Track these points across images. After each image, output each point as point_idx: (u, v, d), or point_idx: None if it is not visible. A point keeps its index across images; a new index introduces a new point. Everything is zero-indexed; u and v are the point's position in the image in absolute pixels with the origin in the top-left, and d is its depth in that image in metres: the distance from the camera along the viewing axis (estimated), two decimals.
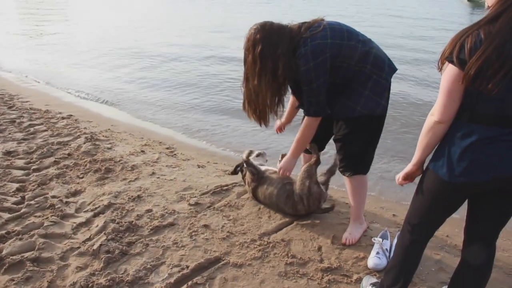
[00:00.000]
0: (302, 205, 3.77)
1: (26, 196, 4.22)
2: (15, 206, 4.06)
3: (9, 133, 5.92)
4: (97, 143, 5.61)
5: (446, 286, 2.82)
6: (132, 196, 4.22)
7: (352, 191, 3.57)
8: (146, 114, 7.52)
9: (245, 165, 4.13)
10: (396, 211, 4.09)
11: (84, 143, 5.58)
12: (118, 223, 3.75)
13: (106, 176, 4.70)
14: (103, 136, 5.94)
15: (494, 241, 2.51)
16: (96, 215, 3.92)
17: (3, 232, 3.61)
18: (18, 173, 4.73)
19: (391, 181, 4.77)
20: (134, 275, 3.15)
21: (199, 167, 5.03)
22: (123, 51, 13.04)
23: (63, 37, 15.91)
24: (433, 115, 2.25)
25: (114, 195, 4.23)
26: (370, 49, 3.21)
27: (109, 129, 6.32)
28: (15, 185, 4.43)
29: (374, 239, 3.41)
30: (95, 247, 3.43)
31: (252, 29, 3.20)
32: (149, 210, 3.98)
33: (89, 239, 3.57)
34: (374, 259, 3.25)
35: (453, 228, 3.83)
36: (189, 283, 3.08)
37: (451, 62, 2.11)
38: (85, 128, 6.27)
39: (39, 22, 20.22)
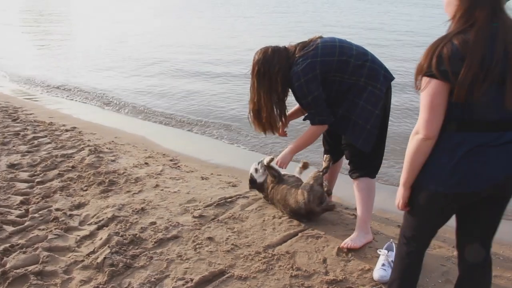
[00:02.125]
0: (302, 196, 3.89)
1: (30, 209, 4.21)
2: (19, 219, 4.05)
3: (13, 146, 5.93)
4: (100, 155, 5.61)
5: None
6: (136, 209, 4.21)
7: (359, 195, 3.67)
8: (150, 125, 7.53)
9: (266, 169, 4.30)
10: (401, 222, 4.05)
11: (88, 155, 5.59)
12: (122, 236, 3.74)
13: (110, 188, 4.69)
14: (106, 148, 5.94)
15: (489, 247, 2.51)
16: (100, 228, 3.91)
17: (7, 245, 3.60)
18: (22, 186, 4.73)
19: (394, 193, 4.74)
20: None
21: (202, 179, 5.02)
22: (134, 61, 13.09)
23: (67, 43, 15.98)
24: (419, 133, 2.22)
25: (118, 208, 4.22)
26: (364, 62, 3.46)
27: (112, 141, 6.32)
28: (19, 198, 4.43)
29: (380, 251, 3.39)
30: (99, 260, 3.41)
31: (255, 54, 3.66)
32: (153, 223, 3.97)
33: (93, 252, 3.55)
34: (379, 271, 3.23)
35: None
36: None
37: (432, 76, 2.11)
38: (88, 140, 6.28)
39: (46, 32, 20.32)
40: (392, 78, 3.57)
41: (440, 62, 2.08)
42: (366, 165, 3.62)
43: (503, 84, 2.08)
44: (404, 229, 2.62)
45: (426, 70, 2.13)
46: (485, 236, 2.48)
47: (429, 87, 2.13)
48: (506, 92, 2.08)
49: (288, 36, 15.20)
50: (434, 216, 2.45)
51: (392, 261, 3.29)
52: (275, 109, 3.69)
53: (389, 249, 3.42)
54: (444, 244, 3.74)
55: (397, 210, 4.22)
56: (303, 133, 3.76)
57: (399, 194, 2.47)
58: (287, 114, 3.85)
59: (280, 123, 3.83)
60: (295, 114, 4.01)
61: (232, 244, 3.67)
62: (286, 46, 3.67)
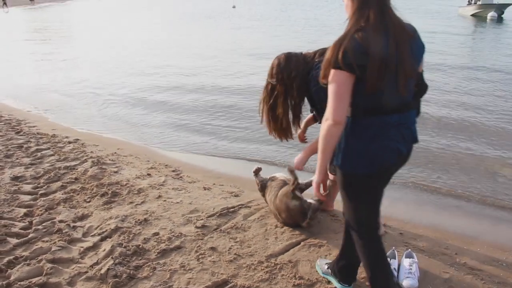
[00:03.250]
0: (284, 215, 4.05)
1: (34, 221, 4.24)
2: (22, 231, 4.07)
3: (17, 158, 5.97)
4: (103, 167, 5.64)
5: None
6: (139, 220, 4.23)
7: None
8: (152, 137, 7.58)
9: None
10: (403, 230, 4.07)
11: (91, 167, 5.62)
12: (125, 247, 3.76)
13: (113, 200, 4.71)
14: (109, 159, 5.97)
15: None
16: (103, 239, 3.93)
17: (11, 257, 3.63)
18: (25, 198, 4.76)
19: (397, 201, 4.77)
20: None
21: (205, 189, 5.04)
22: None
23: (63, 57, 16.08)
24: (328, 119, 2.42)
25: (121, 219, 4.24)
26: None
27: (115, 152, 6.35)
28: (23, 210, 4.45)
29: None
30: (102, 271, 3.43)
31: (273, 59, 3.66)
32: (156, 234, 3.99)
33: (96, 263, 3.57)
34: None
35: (462, 245, 3.83)
36: None
37: (339, 68, 2.35)
38: (91, 152, 6.31)
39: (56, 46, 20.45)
40: None
41: (345, 56, 2.32)
42: None
43: (397, 74, 2.38)
44: (352, 223, 2.81)
45: (333, 64, 2.36)
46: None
47: (336, 78, 2.37)
48: (399, 81, 2.39)
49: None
50: (369, 196, 2.70)
51: (394, 268, 3.31)
52: (290, 114, 3.67)
53: (391, 256, 3.43)
54: (446, 250, 3.74)
55: (399, 218, 4.30)
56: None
57: (316, 179, 2.67)
58: (302, 119, 3.82)
59: (296, 128, 3.83)
60: (311, 121, 4.03)
61: (235, 254, 3.68)
62: (303, 52, 3.68)
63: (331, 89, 2.40)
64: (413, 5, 36.64)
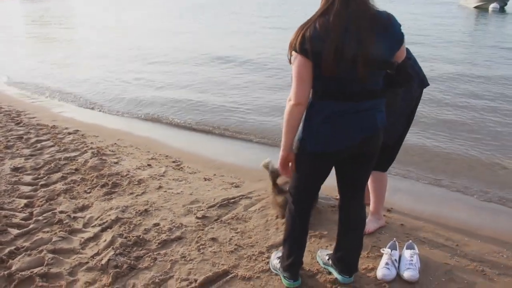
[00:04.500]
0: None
1: (34, 212, 4.23)
2: (23, 222, 4.07)
3: (17, 149, 5.95)
4: (103, 157, 5.63)
5: None
6: (139, 210, 4.23)
7: (371, 186, 3.86)
8: (152, 127, 7.60)
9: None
10: (404, 221, 4.07)
11: (91, 158, 5.61)
12: (126, 237, 3.76)
13: (113, 190, 4.71)
14: (109, 150, 5.96)
15: (360, 196, 3.01)
16: (104, 230, 3.93)
17: (12, 248, 3.62)
18: (26, 189, 4.75)
19: (398, 192, 4.76)
20: None
21: (205, 180, 5.03)
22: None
23: (71, 48, 16.03)
24: (291, 100, 2.57)
25: (121, 210, 4.24)
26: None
27: (115, 143, 6.33)
28: (23, 201, 4.45)
29: (383, 250, 3.40)
30: (103, 262, 3.43)
31: None
32: (156, 224, 3.99)
33: (97, 254, 3.57)
34: (383, 270, 3.23)
35: (463, 237, 3.82)
36: None
37: (297, 52, 2.47)
38: (91, 143, 6.29)
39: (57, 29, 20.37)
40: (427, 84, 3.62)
41: (303, 42, 2.44)
42: (382, 159, 3.60)
43: (356, 63, 2.43)
44: (291, 189, 3.01)
45: (293, 47, 2.49)
46: (355, 189, 2.97)
47: (296, 61, 2.50)
48: (358, 69, 2.44)
49: None
50: (312, 173, 2.86)
51: (395, 260, 3.32)
52: None
53: (392, 248, 3.43)
54: (447, 242, 3.74)
55: (400, 209, 4.29)
56: None
57: (280, 156, 2.81)
58: None
59: None
60: None
61: (236, 245, 3.69)
62: None
63: (293, 71, 2.54)
64: None
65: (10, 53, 16.44)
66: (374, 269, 3.32)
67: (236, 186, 4.84)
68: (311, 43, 2.42)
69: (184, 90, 10.02)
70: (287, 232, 3.10)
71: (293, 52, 2.51)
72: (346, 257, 3.13)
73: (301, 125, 2.69)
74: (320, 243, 3.69)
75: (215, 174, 5.24)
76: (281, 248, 3.34)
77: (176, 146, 6.44)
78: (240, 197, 4.52)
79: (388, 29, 2.52)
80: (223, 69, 12.09)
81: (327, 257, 3.31)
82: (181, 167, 5.45)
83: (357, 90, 2.55)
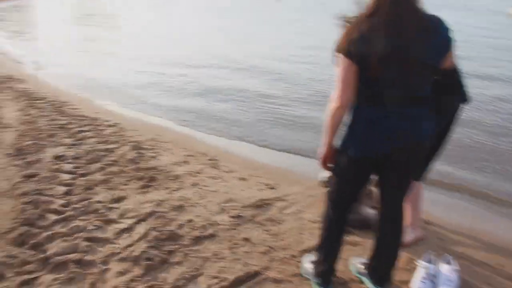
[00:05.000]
0: None
1: (72, 200, 4.31)
2: (61, 208, 4.14)
3: (59, 138, 6.07)
4: (141, 151, 5.70)
5: None
6: (174, 205, 4.26)
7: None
8: (191, 124, 7.62)
9: None
10: (442, 235, 3.98)
11: (130, 151, 5.68)
12: (159, 231, 3.79)
13: (150, 184, 4.75)
14: (147, 145, 6.02)
15: (399, 206, 2.91)
16: (138, 222, 3.96)
17: (50, 233, 3.69)
18: (65, 176, 4.84)
19: (437, 203, 4.66)
20: (173, 283, 3.17)
21: (241, 179, 5.03)
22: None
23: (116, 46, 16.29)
24: (334, 102, 2.57)
25: (156, 204, 4.28)
26: None
27: (153, 138, 6.38)
28: (63, 188, 4.53)
29: (419, 263, 3.32)
30: (136, 253, 3.47)
31: None
32: (190, 220, 4.01)
33: (130, 245, 3.61)
34: (419, 284, 3.15)
35: (509, 257, 3.70)
36: None
37: (342, 54, 2.46)
38: (130, 136, 6.37)
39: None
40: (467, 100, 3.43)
41: (349, 44, 2.43)
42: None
43: (402, 68, 2.42)
44: (329, 194, 2.99)
45: (339, 49, 2.49)
46: (394, 198, 2.88)
47: (341, 64, 2.49)
48: (404, 73, 2.43)
49: None
50: (352, 177, 2.82)
51: (432, 274, 3.23)
52: None
53: (429, 261, 3.34)
54: (489, 261, 3.61)
55: (439, 222, 4.19)
56: None
57: (320, 152, 2.85)
58: None
59: None
60: None
61: (268, 246, 3.67)
62: None
63: (337, 73, 2.53)
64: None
65: (58, 47, 16.79)
66: (409, 281, 3.25)
67: (271, 188, 4.82)
68: (357, 45, 2.41)
69: (227, 103, 10.00)
70: (323, 238, 3.07)
71: (339, 54, 2.50)
72: (380, 267, 3.08)
73: (343, 128, 2.68)
74: (354, 251, 3.63)
75: (251, 175, 5.23)
76: (313, 252, 3.30)
77: (213, 145, 6.47)
78: (275, 199, 4.50)
79: (437, 32, 2.47)
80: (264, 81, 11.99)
81: (360, 266, 3.26)
82: (218, 166, 5.46)
83: (402, 95, 2.50)
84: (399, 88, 2.48)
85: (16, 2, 34.58)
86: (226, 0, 37.56)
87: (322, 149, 2.82)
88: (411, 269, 3.39)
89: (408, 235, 3.72)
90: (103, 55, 14.51)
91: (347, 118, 2.67)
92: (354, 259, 3.41)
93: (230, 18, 26.50)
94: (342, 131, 2.71)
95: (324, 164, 2.89)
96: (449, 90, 2.89)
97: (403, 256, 3.54)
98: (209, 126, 7.52)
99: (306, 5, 34.29)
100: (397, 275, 3.30)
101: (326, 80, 10.62)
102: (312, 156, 6.12)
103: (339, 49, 2.48)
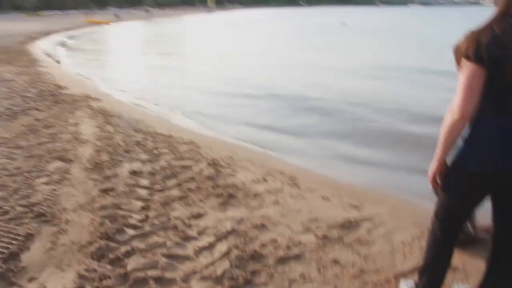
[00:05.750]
0: None
1: (150, 215, 4.17)
2: (139, 223, 4.02)
3: (135, 154, 6.03)
4: (218, 168, 5.54)
5: None
6: (255, 224, 4.03)
7: None
8: (265, 143, 7.44)
9: None
10: None
11: (206, 168, 5.54)
12: (241, 250, 3.57)
13: (228, 201, 4.55)
14: (224, 162, 5.86)
15: None
16: (218, 240, 3.76)
17: (128, 248, 3.55)
18: (142, 192, 4.74)
19: None
20: None
21: (323, 199, 4.74)
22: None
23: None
24: (454, 112, 2.27)
25: (237, 221, 4.07)
26: None
27: (229, 156, 6.22)
28: (140, 204, 4.42)
29: None
30: (218, 272, 3.27)
31: None
32: (273, 240, 3.76)
33: (212, 263, 3.40)
34: None
35: None
36: None
37: (469, 59, 2.20)
38: (206, 153, 6.24)
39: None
40: None
41: (478, 48, 2.17)
42: None
43: None
44: (438, 213, 2.65)
45: (465, 54, 2.22)
46: None
47: (466, 69, 2.23)
48: None
49: None
50: (467, 195, 2.50)
51: None
52: None
53: None
54: None
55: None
56: None
57: (432, 167, 2.52)
58: None
59: None
60: None
61: (360, 269, 3.36)
62: None
63: (460, 80, 2.27)
64: None
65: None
66: None
67: (355, 207, 4.51)
68: (489, 50, 2.15)
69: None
70: (428, 261, 2.75)
71: (464, 60, 2.24)
72: None
73: (461, 140, 2.39)
74: (453, 276, 3.24)
75: (332, 194, 4.93)
76: (414, 276, 2.98)
77: (290, 163, 6.24)
78: (362, 219, 4.18)
79: None
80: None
81: None
82: (297, 184, 5.19)
83: None
84: None
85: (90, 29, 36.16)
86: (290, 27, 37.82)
87: (434, 164, 2.52)
88: None
89: None
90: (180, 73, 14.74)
91: (466, 130, 2.37)
92: (457, 285, 3.05)
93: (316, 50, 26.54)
94: (459, 144, 2.42)
95: (434, 181, 2.57)
96: None
97: None
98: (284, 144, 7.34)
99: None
100: None
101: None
102: (394, 174, 5.84)
103: (466, 54, 2.22)
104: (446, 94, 8.97)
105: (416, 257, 3.51)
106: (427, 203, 3.99)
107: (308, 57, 21.14)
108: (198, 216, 4.23)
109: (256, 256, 3.50)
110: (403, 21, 66.85)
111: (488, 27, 2.20)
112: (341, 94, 11.56)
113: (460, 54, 2.27)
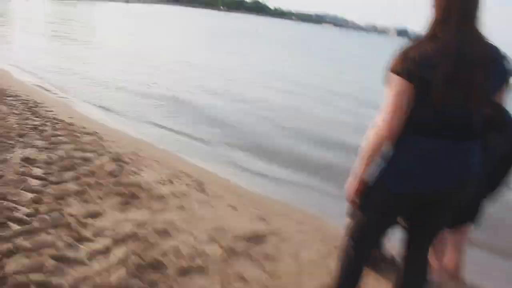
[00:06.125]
0: None
1: (40, 209, 3.76)
2: (26, 218, 3.59)
3: (30, 140, 5.50)
4: (122, 164, 5.17)
5: None
6: (157, 229, 3.75)
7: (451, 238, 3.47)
8: (172, 141, 7.17)
9: None
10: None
11: (109, 162, 5.15)
12: (140, 257, 3.28)
13: (130, 201, 4.22)
14: (128, 158, 5.49)
15: (426, 250, 2.58)
16: (116, 244, 3.44)
17: (10, 245, 3.14)
18: (34, 182, 4.28)
19: None
20: None
21: (230, 207, 4.54)
22: None
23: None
24: (380, 128, 2.19)
25: (137, 225, 3.77)
26: None
27: (134, 152, 5.85)
28: (30, 195, 3.98)
29: None
30: (112, 280, 2.97)
31: None
32: (175, 248, 3.51)
33: (106, 270, 3.08)
34: None
35: None
36: None
37: (399, 75, 2.12)
38: (109, 147, 5.83)
39: None
40: None
41: (408, 64, 2.10)
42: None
43: (465, 97, 2.11)
44: (353, 231, 2.56)
45: (393, 69, 2.15)
46: (424, 241, 2.56)
47: (395, 85, 2.14)
48: (467, 103, 2.13)
49: None
50: (385, 215, 2.45)
51: None
52: None
53: None
54: None
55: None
56: None
57: (350, 184, 2.44)
58: None
59: None
60: None
61: (264, 285, 3.20)
62: None
63: (387, 96, 2.18)
64: None
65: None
66: None
67: (263, 220, 4.35)
68: (419, 67, 2.08)
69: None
70: (340, 281, 2.68)
71: (393, 75, 2.15)
72: None
73: (383, 159, 2.29)
74: None
75: (238, 202, 4.74)
76: None
77: (198, 165, 6.01)
78: (269, 233, 4.03)
79: (497, 62, 2.19)
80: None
81: None
82: (204, 189, 4.95)
83: (458, 127, 2.18)
84: (457, 120, 2.17)
85: None
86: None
87: (353, 182, 2.41)
88: None
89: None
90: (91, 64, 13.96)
91: (387, 149, 2.27)
92: None
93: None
94: (379, 162, 2.31)
95: (353, 199, 2.47)
96: (496, 127, 2.54)
97: None
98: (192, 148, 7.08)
99: None
100: None
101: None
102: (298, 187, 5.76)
103: (396, 69, 2.14)
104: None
105: (322, 276, 3.41)
106: (330, 220, 3.95)
107: (220, 60, 20.96)
108: (95, 215, 3.86)
109: (155, 265, 3.22)
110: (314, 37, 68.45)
111: (420, 45, 2.15)
112: (247, 105, 11.29)
113: (389, 69, 2.19)
